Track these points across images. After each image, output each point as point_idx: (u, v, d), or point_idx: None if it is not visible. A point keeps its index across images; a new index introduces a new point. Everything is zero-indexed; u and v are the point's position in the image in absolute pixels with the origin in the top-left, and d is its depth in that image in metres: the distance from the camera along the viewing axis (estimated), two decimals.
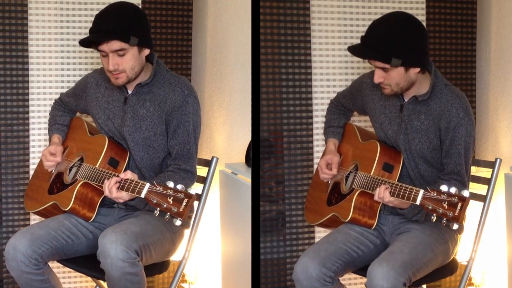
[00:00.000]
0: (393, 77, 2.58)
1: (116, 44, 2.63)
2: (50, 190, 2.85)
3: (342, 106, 3.03)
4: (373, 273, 2.46)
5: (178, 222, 2.39)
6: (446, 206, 2.30)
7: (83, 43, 2.69)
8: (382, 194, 2.51)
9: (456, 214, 2.28)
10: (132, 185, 2.49)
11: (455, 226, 2.32)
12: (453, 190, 2.30)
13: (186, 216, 2.37)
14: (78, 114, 3.03)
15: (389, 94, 2.66)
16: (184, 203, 2.36)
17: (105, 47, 2.64)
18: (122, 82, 2.71)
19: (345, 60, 3.24)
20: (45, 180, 2.90)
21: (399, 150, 2.73)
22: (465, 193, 2.29)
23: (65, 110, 3.01)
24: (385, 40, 2.53)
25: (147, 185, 2.43)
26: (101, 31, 2.64)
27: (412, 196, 2.40)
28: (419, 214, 2.65)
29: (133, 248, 2.53)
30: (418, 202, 2.37)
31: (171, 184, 2.39)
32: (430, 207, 2.33)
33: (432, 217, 2.35)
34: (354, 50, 2.61)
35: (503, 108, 3.22)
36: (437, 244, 2.64)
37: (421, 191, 2.37)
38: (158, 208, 2.39)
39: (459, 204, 2.28)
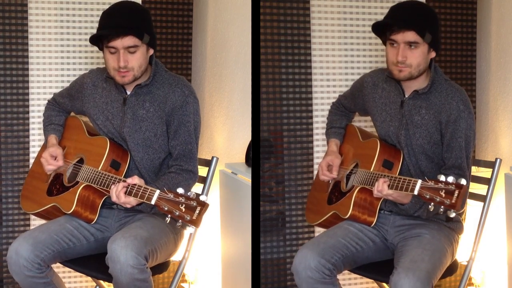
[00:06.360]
0: (416, 56, 2.60)
1: (130, 40, 2.62)
2: (49, 191, 2.82)
3: (343, 108, 3.04)
4: (399, 284, 2.42)
5: (191, 230, 2.34)
6: (444, 195, 2.30)
7: (94, 39, 2.66)
8: (381, 187, 2.51)
9: (453, 201, 2.29)
10: (141, 190, 2.45)
11: (452, 214, 2.33)
12: (450, 179, 2.31)
13: (200, 225, 2.33)
14: (73, 113, 3.02)
15: (404, 78, 2.65)
16: (197, 211, 2.31)
17: (118, 42, 2.62)
18: (129, 80, 2.69)
19: (345, 60, 3.24)
20: (42, 181, 2.88)
21: (400, 147, 2.73)
22: (462, 181, 2.30)
23: (60, 110, 2.99)
24: (420, 15, 2.59)
25: (157, 192, 2.39)
26: (115, 27, 2.63)
27: (410, 186, 2.40)
28: (421, 209, 2.65)
29: (143, 254, 2.51)
30: (416, 192, 2.37)
31: (181, 190, 2.35)
32: (428, 196, 2.34)
33: (430, 207, 2.35)
34: (383, 24, 2.62)
35: (503, 108, 3.22)
36: (447, 247, 2.65)
37: (419, 181, 2.38)
38: (170, 215, 2.35)
39: (456, 192, 2.29)
